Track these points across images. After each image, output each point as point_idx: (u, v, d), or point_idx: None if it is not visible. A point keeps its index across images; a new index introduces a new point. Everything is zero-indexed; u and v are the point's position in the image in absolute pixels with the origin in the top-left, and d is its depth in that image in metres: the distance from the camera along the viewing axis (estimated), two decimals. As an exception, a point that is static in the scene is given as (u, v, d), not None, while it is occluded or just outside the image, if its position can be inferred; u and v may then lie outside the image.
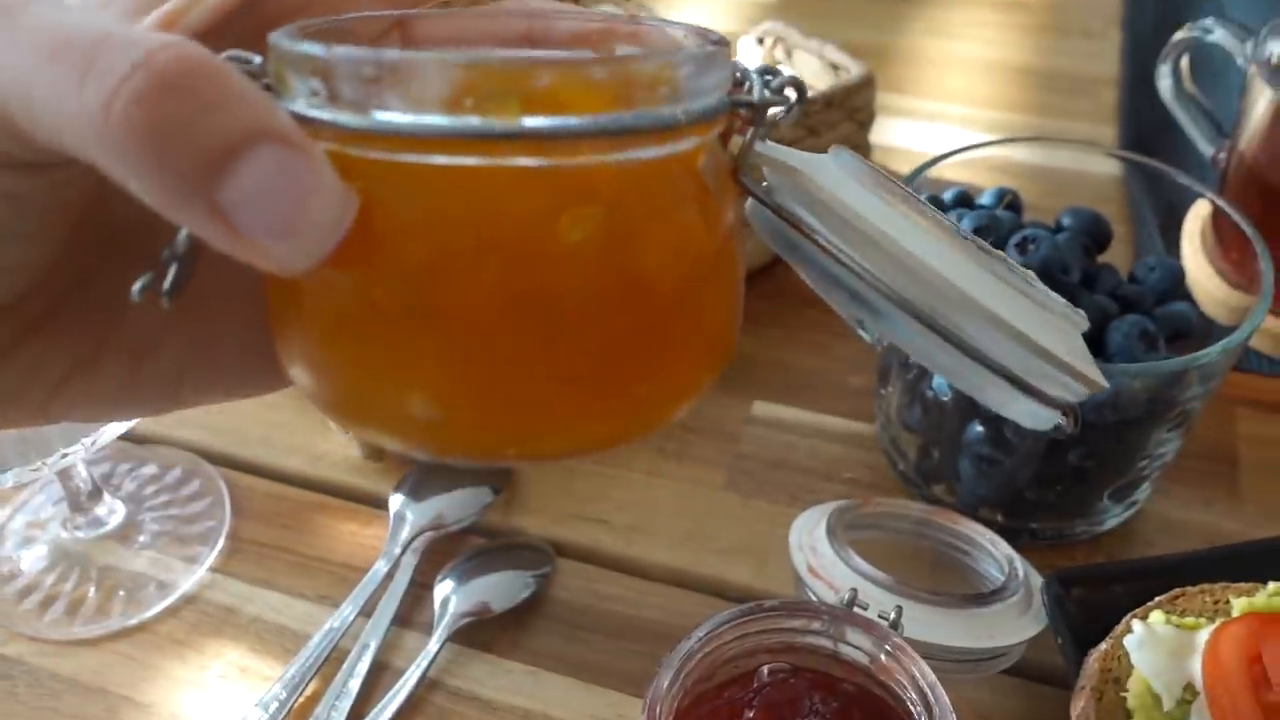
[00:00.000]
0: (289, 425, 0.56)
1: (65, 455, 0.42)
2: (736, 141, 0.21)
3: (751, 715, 0.36)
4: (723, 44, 0.20)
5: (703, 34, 0.21)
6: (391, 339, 0.17)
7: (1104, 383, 0.22)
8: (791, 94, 0.21)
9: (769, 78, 0.21)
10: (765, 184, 0.22)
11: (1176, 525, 0.50)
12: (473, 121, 0.16)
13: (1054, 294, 0.24)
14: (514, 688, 0.45)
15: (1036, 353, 0.21)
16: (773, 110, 0.21)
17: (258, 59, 0.18)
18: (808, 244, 0.21)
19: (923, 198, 0.25)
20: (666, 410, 0.20)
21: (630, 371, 0.19)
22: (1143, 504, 0.50)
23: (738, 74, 0.21)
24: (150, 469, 0.54)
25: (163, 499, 0.53)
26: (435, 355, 0.17)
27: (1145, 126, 0.70)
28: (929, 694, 0.34)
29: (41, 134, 0.16)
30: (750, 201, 0.21)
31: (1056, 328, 0.22)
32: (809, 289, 0.66)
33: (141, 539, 0.51)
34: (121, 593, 0.49)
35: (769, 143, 0.21)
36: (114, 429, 0.42)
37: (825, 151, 0.24)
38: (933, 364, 0.22)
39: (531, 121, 0.16)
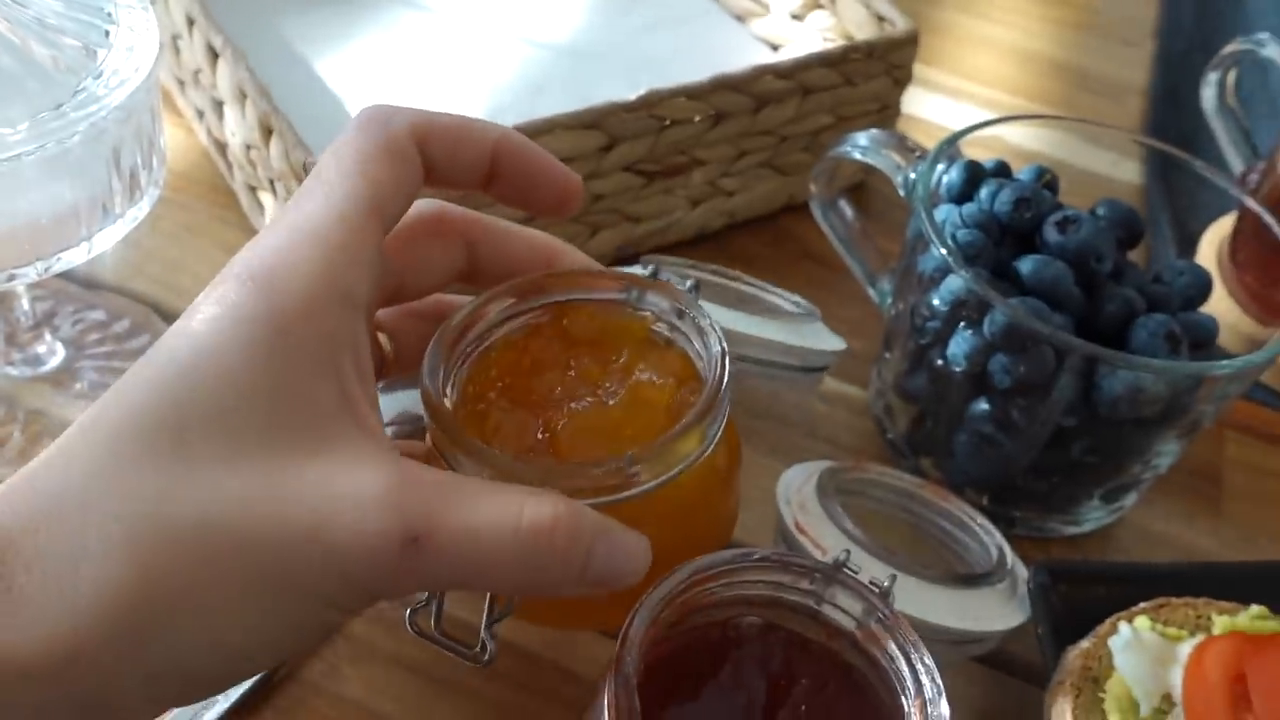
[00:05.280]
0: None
1: (13, 277, 0.39)
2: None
3: (723, 669, 0.34)
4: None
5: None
6: None
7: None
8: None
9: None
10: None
11: (1155, 536, 0.49)
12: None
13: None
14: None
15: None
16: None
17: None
18: None
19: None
20: None
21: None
22: (1126, 511, 0.49)
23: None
24: (97, 315, 0.50)
25: (107, 349, 0.49)
26: None
27: (1170, 139, 0.69)
28: (921, 671, 0.32)
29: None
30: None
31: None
32: (811, 240, 0.65)
33: (79, 386, 0.47)
34: (48, 439, 0.45)
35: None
36: (74, 255, 0.39)
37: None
38: None
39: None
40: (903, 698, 0.32)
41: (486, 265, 0.36)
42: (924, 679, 0.32)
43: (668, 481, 0.31)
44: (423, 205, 0.34)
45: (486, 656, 0.32)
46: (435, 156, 0.32)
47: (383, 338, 0.35)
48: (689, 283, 0.38)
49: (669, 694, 0.32)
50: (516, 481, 0.29)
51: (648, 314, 0.35)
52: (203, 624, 0.25)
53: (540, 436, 0.32)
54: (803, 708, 0.33)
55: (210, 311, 0.27)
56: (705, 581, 0.33)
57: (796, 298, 0.48)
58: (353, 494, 0.26)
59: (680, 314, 0.34)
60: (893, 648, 0.33)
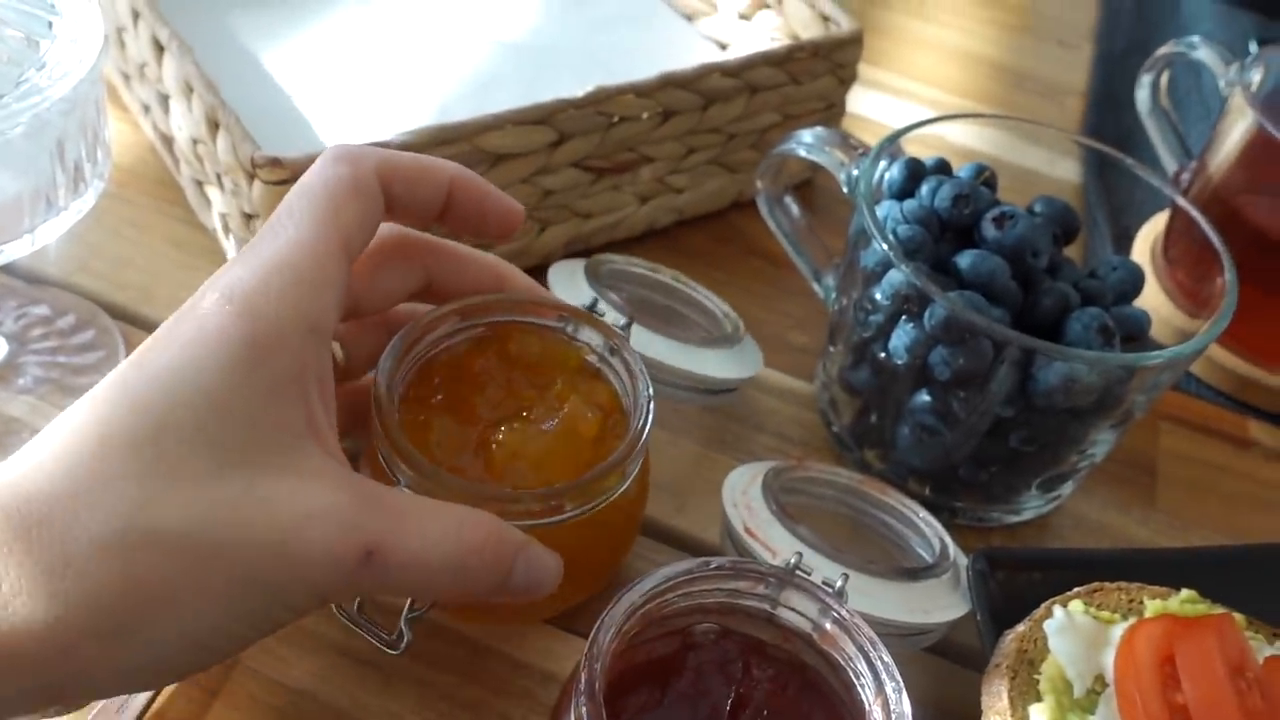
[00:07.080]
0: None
1: (-46, 270, 0.38)
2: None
3: (684, 676, 0.34)
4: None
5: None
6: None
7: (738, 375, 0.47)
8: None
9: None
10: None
11: (1091, 524, 0.50)
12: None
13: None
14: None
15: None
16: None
17: None
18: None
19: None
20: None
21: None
22: (1064, 500, 0.50)
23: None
24: (41, 310, 0.49)
25: (50, 344, 0.48)
26: None
27: (1107, 139, 0.71)
28: (881, 669, 0.33)
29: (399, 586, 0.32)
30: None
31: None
32: (759, 237, 0.66)
33: (21, 382, 0.47)
34: (-9, 435, 0.45)
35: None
36: (17, 248, 0.38)
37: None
38: None
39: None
40: (863, 696, 0.33)
41: (441, 286, 0.39)
42: (884, 676, 0.32)
43: (588, 512, 0.35)
44: (385, 230, 0.37)
45: (403, 645, 0.35)
46: (397, 194, 0.35)
47: (336, 346, 0.37)
48: (624, 320, 0.40)
49: (632, 704, 0.33)
50: (456, 499, 0.33)
51: (582, 345, 0.39)
52: (177, 621, 0.28)
53: (477, 452, 0.36)
54: (765, 712, 0.33)
55: (190, 332, 0.30)
56: (665, 592, 0.33)
57: (728, 308, 0.51)
58: (319, 512, 0.29)
59: (613, 351, 0.39)
60: (850, 647, 0.33)
